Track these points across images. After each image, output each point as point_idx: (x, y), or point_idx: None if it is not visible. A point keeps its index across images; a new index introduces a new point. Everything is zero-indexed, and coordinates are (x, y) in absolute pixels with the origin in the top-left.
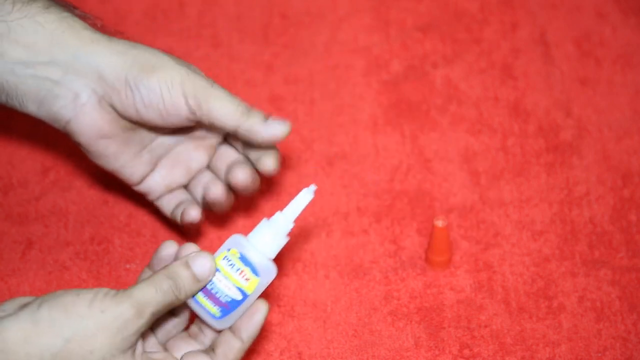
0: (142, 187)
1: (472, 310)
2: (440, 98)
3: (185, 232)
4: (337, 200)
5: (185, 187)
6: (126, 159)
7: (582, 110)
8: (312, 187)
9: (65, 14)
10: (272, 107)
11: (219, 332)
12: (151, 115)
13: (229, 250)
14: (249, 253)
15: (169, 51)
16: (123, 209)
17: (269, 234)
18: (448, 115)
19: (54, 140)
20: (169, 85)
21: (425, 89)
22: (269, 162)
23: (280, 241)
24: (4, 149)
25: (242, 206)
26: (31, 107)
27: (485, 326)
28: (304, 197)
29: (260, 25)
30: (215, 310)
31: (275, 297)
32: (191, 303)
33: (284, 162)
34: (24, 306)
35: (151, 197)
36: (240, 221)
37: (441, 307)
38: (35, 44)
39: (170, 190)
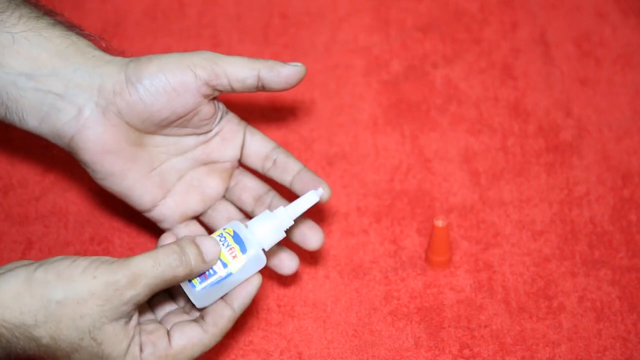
0: (154, 214)
1: (472, 310)
2: (440, 98)
3: None
4: (337, 200)
5: (199, 216)
6: (134, 178)
7: (582, 110)
8: (320, 191)
9: (70, 32)
10: (271, 107)
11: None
12: (160, 103)
13: (224, 229)
14: (242, 233)
15: (168, 51)
16: (123, 209)
17: (268, 225)
18: (448, 115)
19: None
20: (170, 65)
21: (425, 89)
22: (314, 240)
23: (278, 235)
24: (4, 149)
25: None
26: (32, 123)
27: (485, 326)
28: (310, 198)
29: (260, 25)
30: (196, 280)
31: (275, 297)
32: None
33: None
34: (22, 266)
35: (165, 225)
36: None
37: (441, 307)
38: (38, 56)
39: (185, 219)
